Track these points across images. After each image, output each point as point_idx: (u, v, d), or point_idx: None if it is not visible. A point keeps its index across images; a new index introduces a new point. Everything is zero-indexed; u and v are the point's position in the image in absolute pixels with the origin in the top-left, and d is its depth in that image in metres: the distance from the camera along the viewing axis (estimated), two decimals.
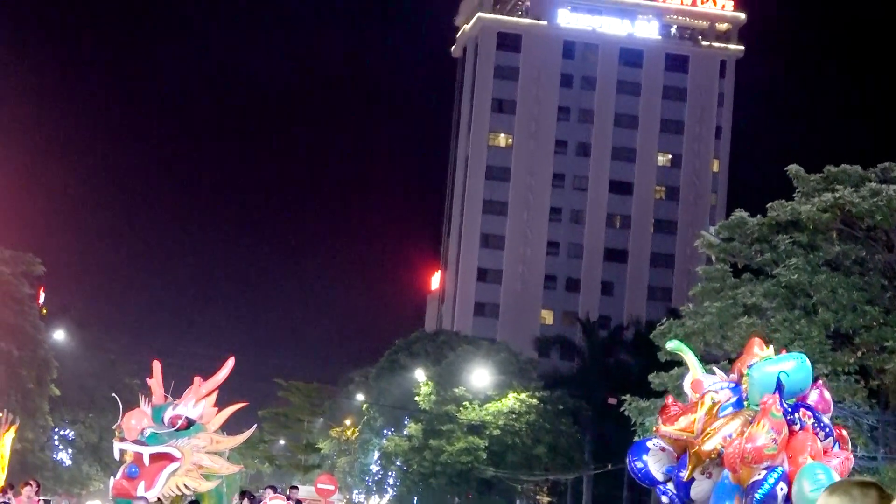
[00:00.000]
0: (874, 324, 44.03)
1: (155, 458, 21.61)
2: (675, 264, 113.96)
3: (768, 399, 15.16)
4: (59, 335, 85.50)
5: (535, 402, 75.27)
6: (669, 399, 17.56)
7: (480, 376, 76.92)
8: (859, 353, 44.32)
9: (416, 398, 77.99)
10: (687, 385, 17.69)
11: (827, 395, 16.55)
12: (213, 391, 22.89)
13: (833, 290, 44.25)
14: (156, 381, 22.32)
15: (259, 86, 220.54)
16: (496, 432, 74.43)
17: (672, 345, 19.17)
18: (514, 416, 75.02)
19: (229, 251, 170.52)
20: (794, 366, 15.86)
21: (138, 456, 21.52)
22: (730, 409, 16.04)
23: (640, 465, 17.53)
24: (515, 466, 73.63)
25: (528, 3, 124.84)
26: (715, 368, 18.36)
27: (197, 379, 22.96)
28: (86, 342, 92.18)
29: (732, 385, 16.60)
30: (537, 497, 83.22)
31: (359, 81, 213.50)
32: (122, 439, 21.40)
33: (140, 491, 21.70)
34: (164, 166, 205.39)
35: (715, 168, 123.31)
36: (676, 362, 41.85)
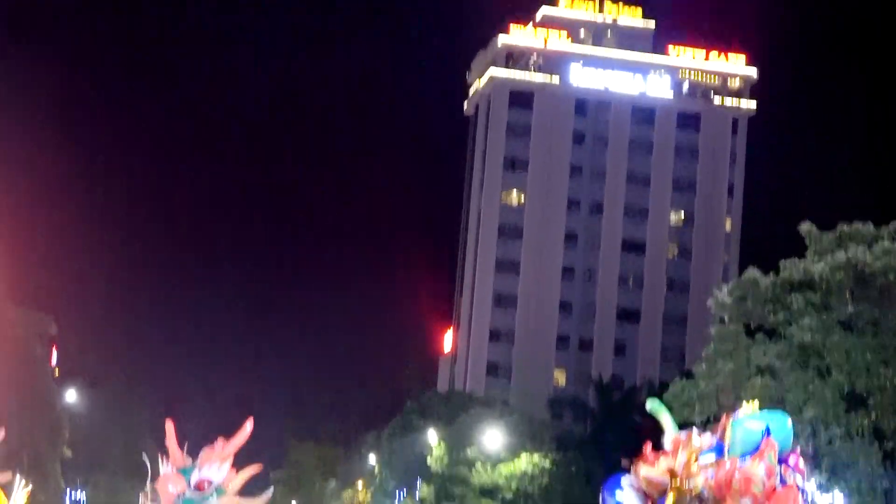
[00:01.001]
0: (888, 385, 43.41)
1: None
2: (687, 324, 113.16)
3: (766, 444, 14.80)
4: (71, 396, 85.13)
5: (547, 464, 74.47)
6: (648, 447, 17.20)
7: (493, 438, 76.22)
8: (873, 416, 43.67)
9: (429, 460, 77.28)
10: (667, 443, 17.35)
11: (802, 463, 16.21)
12: (233, 453, 22.45)
13: (847, 351, 43.67)
14: (173, 442, 21.88)
15: (262, 136, 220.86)
16: (509, 495, 73.65)
17: (651, 405, 18.88)
18: (527, 478, 74.21)
19: (241, 310, 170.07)
20: (778, 422, 15.56)
21: None
22: (711, 455, 15.70)
23: (612, 501, 17.17)
24: None
25: (541, 61, 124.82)
26: (695, 430, 17.98)
27: (220, 440, 22.51)
28: (98, 402, 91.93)
29: (715, 439, 16.28)
30: None
31: (370, 137, 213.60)
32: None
33: None
34: (174, 227, 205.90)
35: (727, 227, 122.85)
36: (691, 423, 41.18)
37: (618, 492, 17.00)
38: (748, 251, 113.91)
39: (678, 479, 15.30)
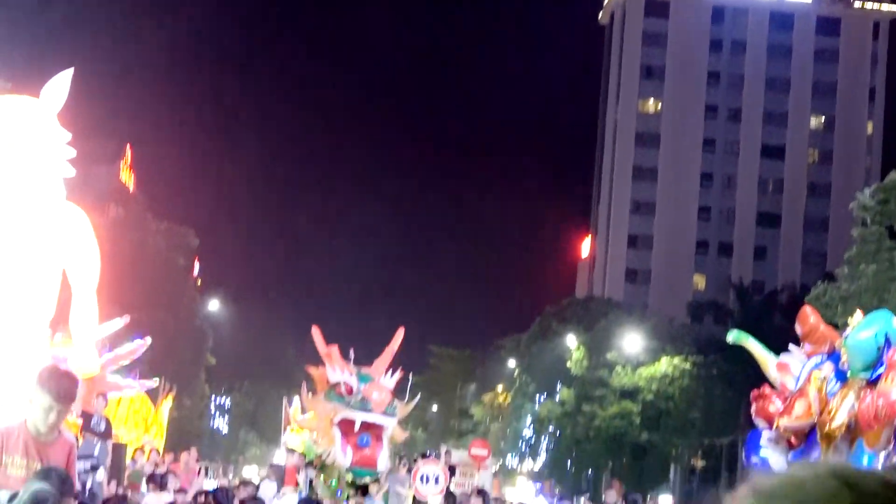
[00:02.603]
0: None
1: (375, 430, 22.30)
2: (829, 228, 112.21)
3: (893, 354, 15.01)
4: (213, 306, 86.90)
5: (688, 366, 74.93)
6: (766, 388, 17.57)
7: (632, 342, 76.77)
8: None
9: (568, 364, 78.10)
10: (772, 370, 17.66)
11: None
12: (390, 361, 23.61)
13: None
14: (334, 350, 22.92)
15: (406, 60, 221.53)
16: (649, 397, 74.32)
17: (732, 336, 19.28)
18: (667, 380, 74.80)
19: (381, 221, 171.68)
20: (885, 320, 15.66)
21: (368, 426, 22.07)
22: (837, 384, 15.94)
23: (758, 460, 17.58)
24: (669, 431, 73.49)
25: None
26: (791, 346, 18.19)
27: (388, 349, 23.65)
28: (240, 312, 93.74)
29: (827, 355, 16.49)
30: (692, 461, 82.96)
31: (505, 48, 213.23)
32: (369, 410, 21.95)
33: (382, 464, 22.43)
34: (316, 140, 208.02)
35: (869, 130, 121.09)
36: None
37: (762, 452, 17.60)
38: (891, 154, 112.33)
39: (822, 421, 15.81)
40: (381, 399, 22.42)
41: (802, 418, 15.98)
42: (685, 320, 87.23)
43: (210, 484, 23.83)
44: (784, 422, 16.27)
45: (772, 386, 17.53)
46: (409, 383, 24.37)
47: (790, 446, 16.84)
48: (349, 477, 22.22)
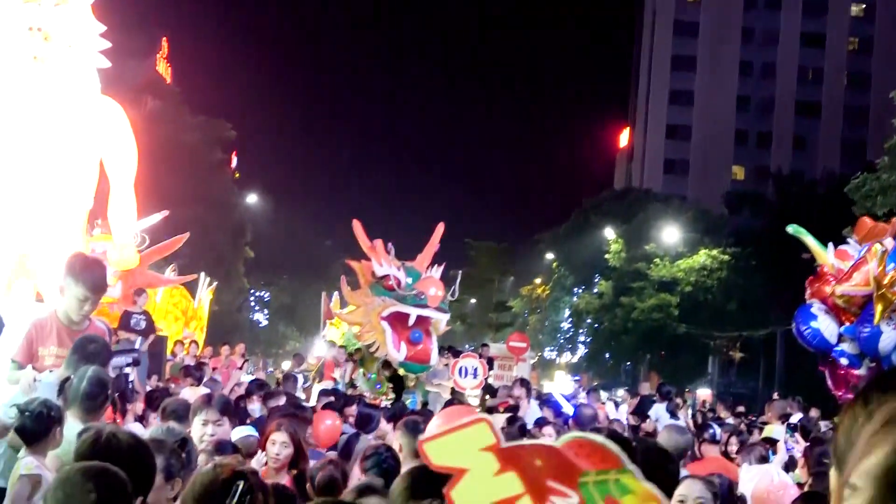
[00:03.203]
0: None
1: (425, 324, 22.31)
2: (869, 118, 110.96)
3: None
4: (251, 199, 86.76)
5: (726, 258, 74.77)
6: (825, 267, 17.53)
7: (671, 234, 76.60)
8: None
9: (606, 256, 78.04)
10: (830, 258, 17.63)
11: None
12: (432, 255, 23.59)
13: None
14: (379, 244, 22.85)
15: None
16: (688, 289, 74.27)
17: (792, 228, 19.35)
18: (705, 272, 74.68)
19: (418, 112, 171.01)
20: None
21: (420, 320, 22.05)
22: (890, 242, 15.94)
23: (809, 330, 17.55)
24: (707, 323, 73.44)
25: None
26: (848, 239, 18.20)
27: (429, 244, 23.63)
28: (278, 206, 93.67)
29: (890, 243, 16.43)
30: (729, 353, 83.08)
31: None
32: (424, 306, 21.93)
33: (434, 359, 22.45)
34: (354, 28, 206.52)
35: None
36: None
37: (812, 322, 17.53)
38: None
39: (882, 287, 15.70)
40: (436, 294, 22.43)
41: (860, 286, 16.08)
42: (723, 211, 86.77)
43: (249, 378, 23.93)
44: (841, 288, 16.35)
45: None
46: (458, 279, 24.40)
47: (840, 323, 16.90)
48: (401, 371, 22.26)
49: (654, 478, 2.33)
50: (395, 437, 9.53)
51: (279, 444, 8.71)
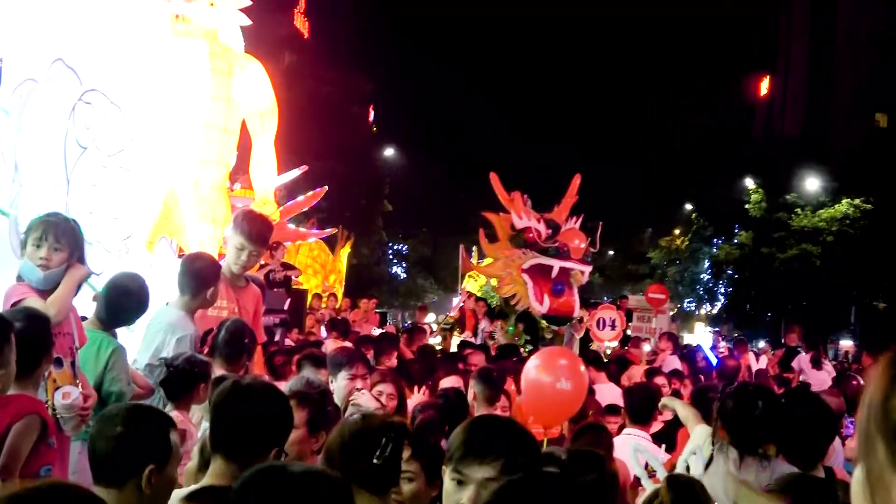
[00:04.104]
0: None
1: (566, 276, 22.29)
2: None
3: None
4: (388, 153, 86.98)
5: (869, 207, 73.36)
6: None
7: (812, 183, 75.43)
8: None
9: (746, 206, 77.02)
10: None
11: None
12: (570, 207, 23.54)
13: None
14: (517, 197, 22.84)
15: None
16: (829, 238, 73.03)
17: None
18: (847, 222, 73.36)
19: (552, 63, 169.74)
20: None
21: (562, 272, 22.04)
22: None
23: None
24: (850, 273, 72.12)
25: None
26: None
27: (567, 196, 23.60)
28: (415, 159, 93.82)
29: None
30: (873, 303, 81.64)
31: None
32: (567, 258, 21.94)
33: (577, 311, 22.41)
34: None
35: None
36: None
37: None
38: None
39: None
40: (579, 246, 22.32)
41: None
42: (866, 160, 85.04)
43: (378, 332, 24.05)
44: None
45: None
46: (598, 231, 24.23)
47: None
48: (543, 324, 22.23)
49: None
50: (471, 385, 9.59)
51: (386, 396, 8.79)
